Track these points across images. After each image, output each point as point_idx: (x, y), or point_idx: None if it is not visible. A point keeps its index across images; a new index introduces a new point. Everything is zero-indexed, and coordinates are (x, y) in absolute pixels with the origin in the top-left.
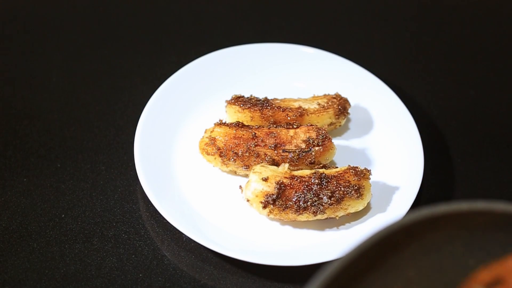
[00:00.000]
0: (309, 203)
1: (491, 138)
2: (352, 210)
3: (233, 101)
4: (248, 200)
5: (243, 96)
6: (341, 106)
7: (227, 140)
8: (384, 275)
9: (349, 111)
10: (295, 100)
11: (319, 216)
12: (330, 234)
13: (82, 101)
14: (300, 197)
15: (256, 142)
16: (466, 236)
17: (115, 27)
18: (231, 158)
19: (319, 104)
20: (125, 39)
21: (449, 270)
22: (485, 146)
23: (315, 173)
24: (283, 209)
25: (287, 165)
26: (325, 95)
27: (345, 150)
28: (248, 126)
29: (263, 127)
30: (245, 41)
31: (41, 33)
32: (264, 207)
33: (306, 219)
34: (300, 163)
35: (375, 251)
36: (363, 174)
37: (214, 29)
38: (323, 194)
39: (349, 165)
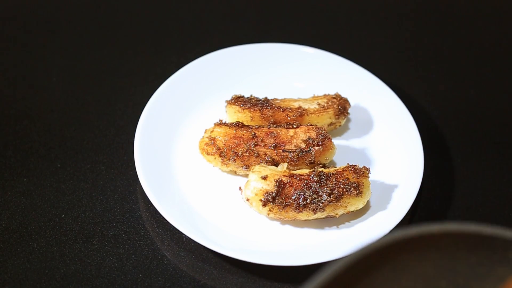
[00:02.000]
0: (308, 200)
1: (491, 138)
2: (352, 208)
3: (233, 101)
4: (247, 200)
5: (243, 96)
6: (341, 106)
7: (227, 140)
8: None
9: (349, 111)
10: (295, 100)
11: (318, 214)
12: (331, 234)
13: (82, 101)
14: (299, 194)
15: (256, 142)
16: (436, 258)
17: (115, 27)
18: (231, 158)
19: (319, 104)
20: (125, 39)
21: None
22: (485, 146)
23: (314, 171)
24: (283, 207)
25: (286, 164)
26: (325, 95)
27: (345, 150)
28: (248, 126)
29: (263, 127)
30: (245, 41)
31: (41, 33)
32: (264, 205)
33: (306, 218)
34: (300, 163)
35: (348, 275)
36: (362, 172)
37: (214, 29)
38: (323, 192)
39: (348, 164)
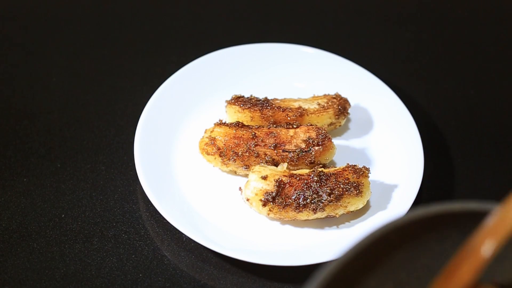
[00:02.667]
0: (308, 200)
1: (491, 138)
2: (352, 208)
3: (233, 101)
4: (247, 200)
5: (243, 96)
6: (341, 106)
7: (227, 140)
8: (377, 278)
9: (349, 111)
10: (295, 100)
11: (318, 214)
12: (331, 234)
13: (82, 101)
14: (299, 194)
15: (256, 142)
16: (456, 236)
17: (115, 27)
18: (231, 158)
19: (319, 104)
20: (125, 39)
21: (439, 272)
22: (485, 146)
23: (314, 171)
24: (283, 207)
25: (286, 164)
26: (325, 95)
27: (345, 150)
28: (248, 126)
29: (263, 127)
30: (245, 41)
31: (41, 33)
32: (264, 205)
33: (306, 218)
34: (300, 163)
35: (370, 252)
36: (362, 172)
37: (214, 29)
38: (322, 191)
39: (348, 164)
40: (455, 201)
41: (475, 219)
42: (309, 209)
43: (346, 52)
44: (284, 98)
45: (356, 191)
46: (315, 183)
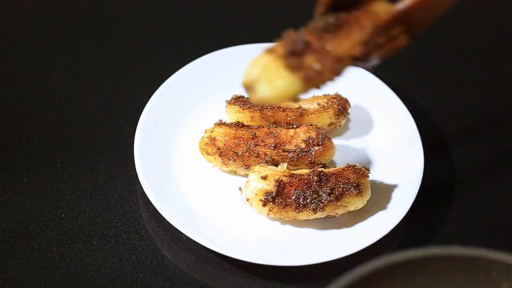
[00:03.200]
0: (308, 200)
1: (491, 138)
2: (352, 208)
3: (233, 101)
4: (247, 200)
5: (243, 96)
6: (341, 106)
7: (227, 140)
8: None
9: (349, 111)
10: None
11: (318, 214)
12: (331, 234)
13: (82, 101)
14: (299, 194)
15: (256, 142)
16: (423, 281)
17: (115, 27)
18: (231, 158)
19: (319, 104)
20: (125, 39)
21: None
22: (485, 146)
23: (314, 171)
24: (283, 207)
25: (286, 164)
26: (325, 95)
27: (345, 150)
28: (248, 126)
29: (263, 127)
30: (245, 41)
31: (41, 33)
32: (264, 205)
33: (306, 218)
34: (300, 162)
35: None
36: (362, 172)
37: (214, 29)
38: (322, 191)
39: (348, 164)
40: (421, 247)
41: (441, 263)
42: (309, 209)
43: None
44: None
45: (356, 191)
46: (315, 183)
